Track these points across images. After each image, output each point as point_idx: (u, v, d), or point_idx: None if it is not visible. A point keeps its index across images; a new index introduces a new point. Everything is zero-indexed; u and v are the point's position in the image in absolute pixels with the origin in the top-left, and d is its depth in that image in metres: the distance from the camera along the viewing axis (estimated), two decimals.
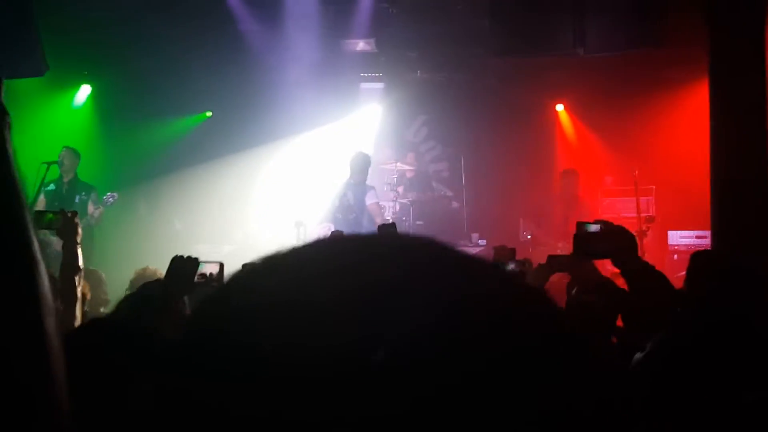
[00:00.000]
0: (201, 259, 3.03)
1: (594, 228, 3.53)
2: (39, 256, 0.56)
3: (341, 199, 8.04)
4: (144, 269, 4.40)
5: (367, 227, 7.75)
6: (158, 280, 3.09)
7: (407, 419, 0.45)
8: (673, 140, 8.60)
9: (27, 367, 0.52)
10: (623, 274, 2.95)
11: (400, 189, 9.05)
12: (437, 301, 0.48)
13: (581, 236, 3.16)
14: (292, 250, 0.56)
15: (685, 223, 7.82)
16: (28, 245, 0.55)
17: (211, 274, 3.08)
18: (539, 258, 4.04)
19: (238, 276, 0.55)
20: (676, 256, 7.66)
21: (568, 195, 8.02)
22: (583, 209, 7.69)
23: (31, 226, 0.55)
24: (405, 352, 0.46)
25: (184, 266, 2.92)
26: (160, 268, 3.04)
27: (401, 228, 8.60)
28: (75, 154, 7.71)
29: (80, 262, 3.25)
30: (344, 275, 0.50)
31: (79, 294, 3.17)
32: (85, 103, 9.25)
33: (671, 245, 7.91)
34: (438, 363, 0.46)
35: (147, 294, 2.96)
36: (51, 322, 0.54)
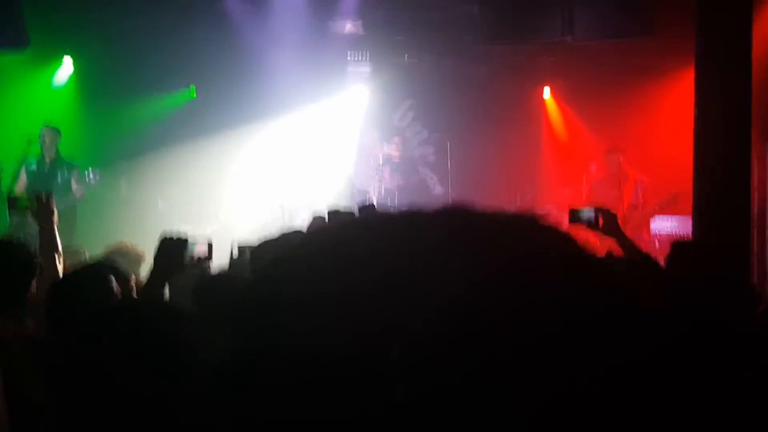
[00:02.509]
0: (189, 239, 2.94)
1: (588, 213, 3.50)
2: None
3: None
4: (119, 243, 4.32)
5: None
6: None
7: (422, 412, 0.44)
8: (659, 129, 8.65)
9: None
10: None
11: (386, 173, 9.04)
12: (451, 291, 0.47)
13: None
14: (304, 238, 0.54)
15: (670, 210, 7.86)
16: None
17: (199, 258, 3.00)
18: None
19: (267, 268, 0.53)
20: (657, 243, 7.72)
21: (614, 176, 7.48)
22: (639, 190, 7.30)
23: None
24: (422, 345, 0.45)
25: (173, 247, 2.80)
26: (143, 246, 2.98)
27: None
28: (55, 131, 7.62)
29: (58, 243, 3.25)
30: (358, 267, 0.49)
31: (60, 273, 3.16)
32: (67, 80, 9.12)
33: (653, 232, 7.97)
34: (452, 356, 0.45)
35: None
36: None
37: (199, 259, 2.96)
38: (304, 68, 8.92)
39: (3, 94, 8.44)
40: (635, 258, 3.09)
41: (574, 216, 3.51)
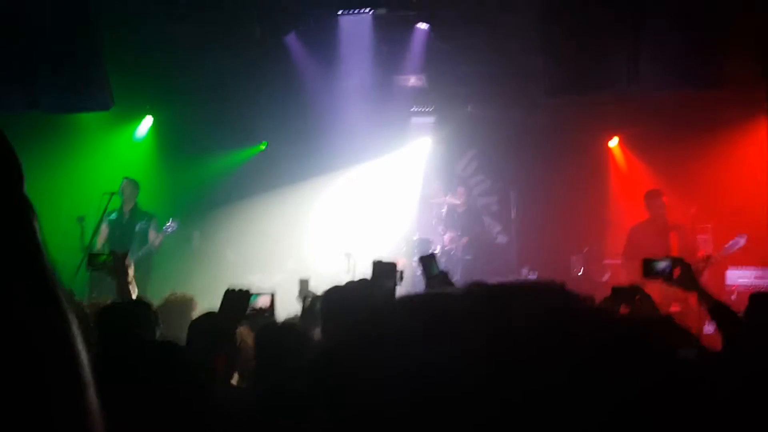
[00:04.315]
0: (253, 290, 3.09)
1: (663, 265, 3.34)
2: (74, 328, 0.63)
3: None
4: (171, 295, 4.47)
5: None
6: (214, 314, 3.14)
7: None
8: (731, 178, 8.42)
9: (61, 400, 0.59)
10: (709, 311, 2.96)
11: (449, 222, 9.06)
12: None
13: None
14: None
15: (745, 261, 7.59)
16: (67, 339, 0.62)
17: (262, 308, 3.15)
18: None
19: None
20: (734, 296, 7.43)
21: (657, 222, 6.96)
22: (683, 236, 6.86)
23: (66, 310, 0.63)
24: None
25: (236, 299, 2.98)
26: (214, 296, 3.11)
27: (450, 262, 8.59)
28: (135, 184, 7.99)
29: (132, 297, 3.47)
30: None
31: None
32: (146, 136, 9.58)
33: (729, 284, 7.68)
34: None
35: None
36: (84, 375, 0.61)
37: (262, 309, 3.10)
38: (370, 122, 9.12)
39: (86, 149, 8.91)
40: (714, 309, 3.01)
41: (649, 267, 3.36)
